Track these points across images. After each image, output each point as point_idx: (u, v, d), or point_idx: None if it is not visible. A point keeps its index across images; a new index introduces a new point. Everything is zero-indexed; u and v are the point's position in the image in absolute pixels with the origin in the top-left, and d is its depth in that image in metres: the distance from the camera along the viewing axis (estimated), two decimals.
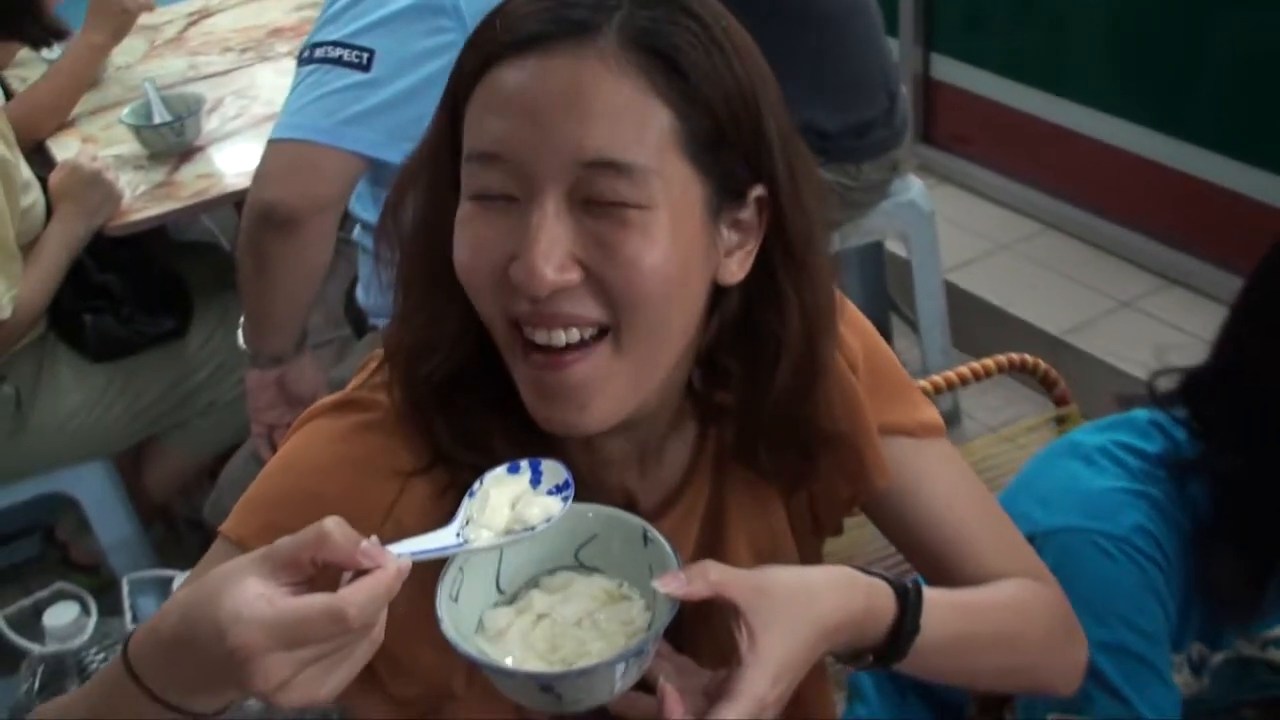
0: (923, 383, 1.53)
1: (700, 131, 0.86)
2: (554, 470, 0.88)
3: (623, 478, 1.00)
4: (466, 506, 0.85)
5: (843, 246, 2.70)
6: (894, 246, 2.92)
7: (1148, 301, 3.06)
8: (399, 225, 0.94)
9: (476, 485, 0.86)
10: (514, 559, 0.90)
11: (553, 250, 0.84)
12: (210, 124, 2.51)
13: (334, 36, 1.73)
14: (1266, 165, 2.85)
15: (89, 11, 2.58)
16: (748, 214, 0.91)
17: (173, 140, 2.42)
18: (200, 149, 2.45)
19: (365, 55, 1.70)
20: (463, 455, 0.93)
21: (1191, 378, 1.28)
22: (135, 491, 2.49)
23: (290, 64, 1.92)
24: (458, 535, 0.83)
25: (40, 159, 2.46)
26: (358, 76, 1.71)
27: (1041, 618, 1.08)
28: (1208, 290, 2.97)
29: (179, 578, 1.94)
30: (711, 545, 1.02)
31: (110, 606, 1.94)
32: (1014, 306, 3.09)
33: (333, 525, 0.76)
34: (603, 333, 0.87)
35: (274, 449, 1.05)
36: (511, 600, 0.90)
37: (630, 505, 0.97)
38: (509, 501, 0.86)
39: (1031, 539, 1.17)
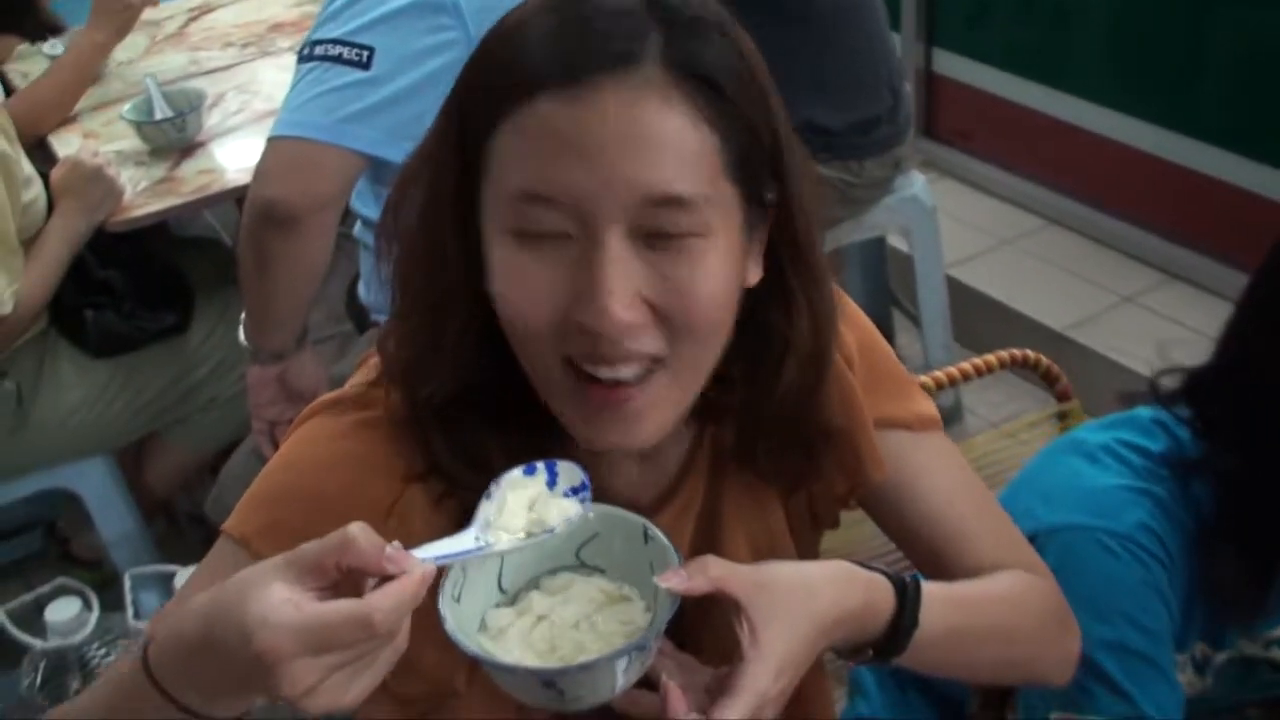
0: (925, 378, 1.52)
1: (738, 149, 0.85)
2: (570, 472, 0.88)
3: (620, 475, 1.00)
4: (484, 509, 0.85)
5: (844, 242, 2.70)
6: (896, 242, 2.92)
7: (1150, 297, 3.06)
8: (400, 224, 0.94)
9: (493, 488, 0.86)
10: (516, 559, 0.90)
11: (624, 290, 0.83)
12: (211, 119, 2.51)
13: (334, 34, 1.72)
14: (1269, 160, 2.84)
15: (93, 8, 2.58)
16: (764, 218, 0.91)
17: (174, 136, 2.42)
18: (201, 144, 2.45)
19: (365, 53, 1.70)
20: (461, 473, 0.92)
21: (1195, 377, 1.28)
22: (137, 487, 2.49)
23: (291, 59, 1.92)
24: (477, 539, 0.83)
25: (42, 154, 2.46)
26: (358, 74, 1.70)
27: (1036, 610, 1.08)
28: (1210, 285, 2.97)
29: (180, 573, 1.94)
30: (708, 543, 1.03)
31: (112, 602, 1.94)
32: (1016, 302, 3.08)
33: (357, 530, 0.75)
34: (656, 360, 0.87)
35: (275, 445, 1.05)
36: (513, 600, 0.90)
37: (625, 502, 0.97)
38: (526, 503, 0.86)
39: (1034, 536, 1.17)
